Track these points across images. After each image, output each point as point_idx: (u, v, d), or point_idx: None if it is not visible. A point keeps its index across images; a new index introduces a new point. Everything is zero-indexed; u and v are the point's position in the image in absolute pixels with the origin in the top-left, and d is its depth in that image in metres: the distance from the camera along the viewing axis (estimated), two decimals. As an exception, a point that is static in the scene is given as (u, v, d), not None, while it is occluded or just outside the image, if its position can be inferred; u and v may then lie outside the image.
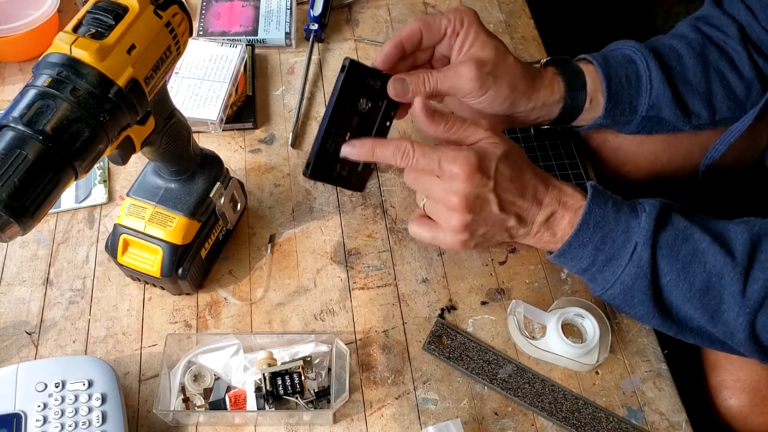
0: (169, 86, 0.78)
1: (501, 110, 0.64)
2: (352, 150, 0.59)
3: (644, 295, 0.56)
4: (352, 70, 0.58)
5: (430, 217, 0.60)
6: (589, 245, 0.57)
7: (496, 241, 0.60)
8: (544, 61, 0.69)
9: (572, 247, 0.58)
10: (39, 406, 0.54)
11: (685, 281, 0.55)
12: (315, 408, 0.59)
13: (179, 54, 0.52)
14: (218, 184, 0.65)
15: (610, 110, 0.68)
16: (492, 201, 0.56)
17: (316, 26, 0.89)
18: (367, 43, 0.91)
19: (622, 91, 0.68)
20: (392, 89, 0.60)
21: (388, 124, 0.63)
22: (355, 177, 0.64)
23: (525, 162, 0.59)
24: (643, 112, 0.69)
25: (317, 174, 0.61)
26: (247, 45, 0.87)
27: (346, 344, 0.63)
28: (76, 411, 0.54)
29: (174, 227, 0.62)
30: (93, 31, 0.45)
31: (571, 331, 0.66)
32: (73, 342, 0.65)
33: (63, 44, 0.44)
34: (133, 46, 0.46)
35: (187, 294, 0.68)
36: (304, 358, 0.60)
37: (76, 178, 0.45)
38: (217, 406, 0.60)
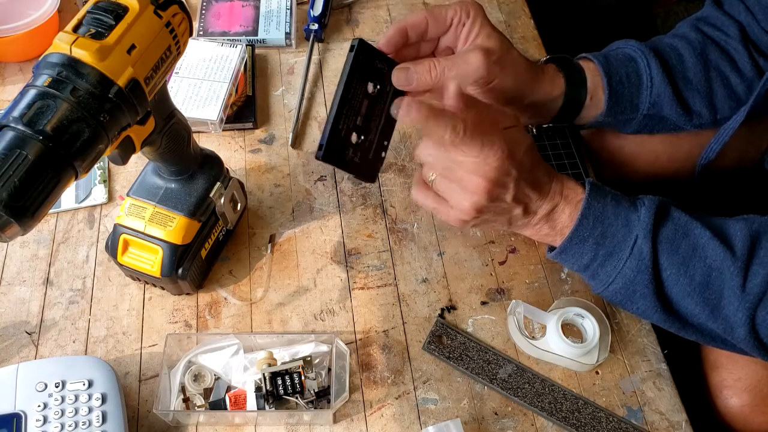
0: (169, 86, 0.78)
1: (503, 103, 0.64)
2: (408, 110, 0.52)
3: (646, 289, 0.56)
4: (362, 49, 0.57)
5: (428, 185, 0.59)
6: (590, 240, 0.57)
7: (494, 227, 0.60)
8: (544, 59, 0.69)
9: (573, 242, 0.58)
10: (39, 406, 0.54)
11: (685, 276, 0.55)
12: (315, 408, 0.59)
13: (179, 54, 0.52)
14: (218, 184, 0.65)
15: (612, 108, 0.68)
16: (510, 190, 0.56)
17: (316, 26, 0.89)
18: (367, 43, 0.91)
19: (622, 88, 0.68)
20: (396, 78, 0.58)
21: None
22: (365, 165, 0.62)
23: (538, 154, 0.59)
24: (645, 110, 0.69)
25: (329, 157, 0.58)
26: (247, 45, 0.87)
27: (346, 344, 0.63)
28: (76, 411, 0.54)
29: (174, 227, 0.62)
30: (93, 31, 0.45)
31: (571, 331, 0.66)
32: (73, 342, 0.65)
33: (63, 44, 0.44)
34: (133, 46, 0.46)
35: (187, 294, 0.68)
36: (304, 358, 0.60)
37: (76, 178, 0.45)
38: (217, 406, 0.60)
